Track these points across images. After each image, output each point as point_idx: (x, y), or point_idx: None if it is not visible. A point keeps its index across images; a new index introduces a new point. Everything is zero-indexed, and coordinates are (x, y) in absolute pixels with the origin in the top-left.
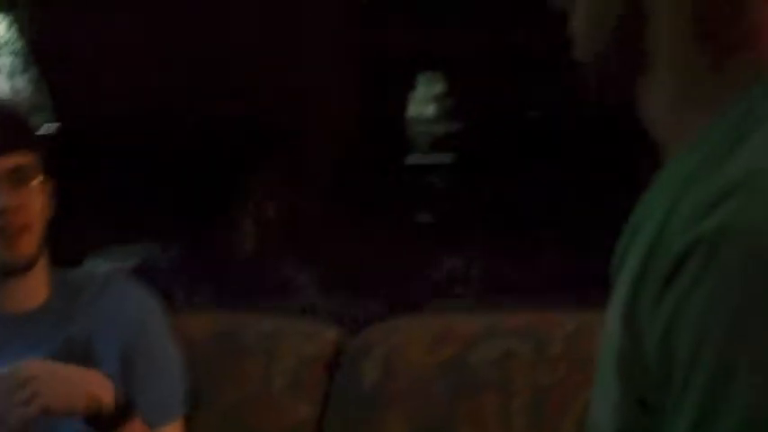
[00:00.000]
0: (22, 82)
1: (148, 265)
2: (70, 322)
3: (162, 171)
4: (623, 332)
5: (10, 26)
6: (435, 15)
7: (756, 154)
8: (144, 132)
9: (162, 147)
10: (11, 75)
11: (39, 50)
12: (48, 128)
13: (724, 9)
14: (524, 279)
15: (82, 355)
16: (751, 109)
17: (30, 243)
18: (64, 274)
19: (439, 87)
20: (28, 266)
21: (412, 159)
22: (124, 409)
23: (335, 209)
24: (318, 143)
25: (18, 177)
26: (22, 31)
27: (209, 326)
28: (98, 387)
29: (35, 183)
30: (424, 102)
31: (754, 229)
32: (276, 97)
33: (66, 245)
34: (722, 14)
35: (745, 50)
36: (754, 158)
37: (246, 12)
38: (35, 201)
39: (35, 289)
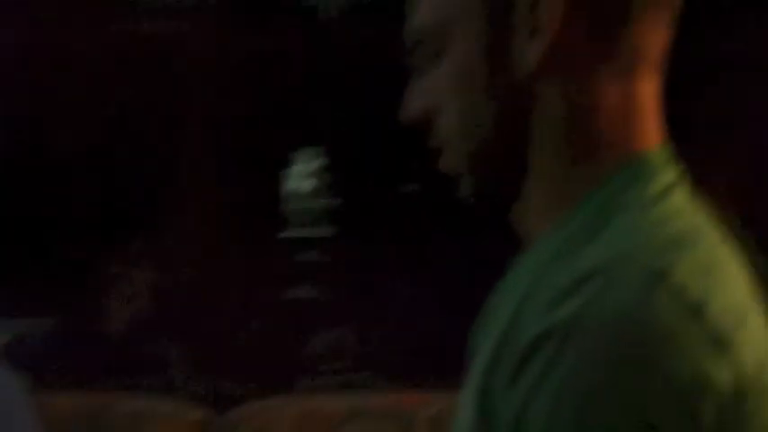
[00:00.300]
0: None
1: (18, 339)
2: None
3: (32, 241)
4: (476, 417)
5: None
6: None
7: (615, 240)
8: (9, 200)
9: (30, 215)
10: None
11: None
12: None
13: (583, 117)
14: (395, 355)
15: None
16: (612, 196)
17: None
18: None
19: (317, 162)
20: None
21: (287, 233)
22: None
23: (207, 284)
24: (189, 216)
25: None
26: None
27: (76, 405)
28: None
29: None
30: (301, 176)
31: (606, 318)
32: (146, 167)
33: None
34: (582, 122)
35: (608, 147)
36: (613, 244)
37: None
38: None
39: None
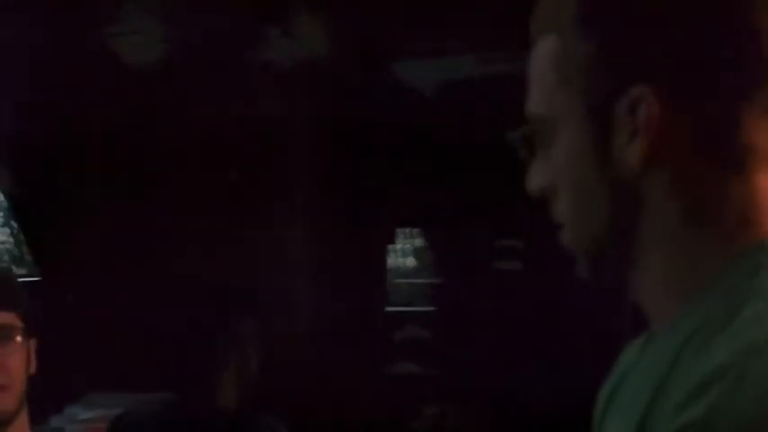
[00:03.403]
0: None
1: (129, 414)
2: None
3: (143, 318)
4: None
5: None
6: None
7: (745, 331)
8: (124, 282)
9: (141, 298)
10: None
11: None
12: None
13: (715, 200)
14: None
15: None
16: (741, 281)
17: (9, 401)
18: (43, 430)
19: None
20: (6, 423)
21: (391, 308)
22: None
23: (313, 358)
24: (296, 293)
25: None
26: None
27: None
28: None
29: (14, 342)
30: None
31: (736, 419)
32: (252, 244)
33: (47, 391)
34: (713, 204)
35: (741, 233)
36: (743, 336)
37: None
38: (13, 360)
39: None
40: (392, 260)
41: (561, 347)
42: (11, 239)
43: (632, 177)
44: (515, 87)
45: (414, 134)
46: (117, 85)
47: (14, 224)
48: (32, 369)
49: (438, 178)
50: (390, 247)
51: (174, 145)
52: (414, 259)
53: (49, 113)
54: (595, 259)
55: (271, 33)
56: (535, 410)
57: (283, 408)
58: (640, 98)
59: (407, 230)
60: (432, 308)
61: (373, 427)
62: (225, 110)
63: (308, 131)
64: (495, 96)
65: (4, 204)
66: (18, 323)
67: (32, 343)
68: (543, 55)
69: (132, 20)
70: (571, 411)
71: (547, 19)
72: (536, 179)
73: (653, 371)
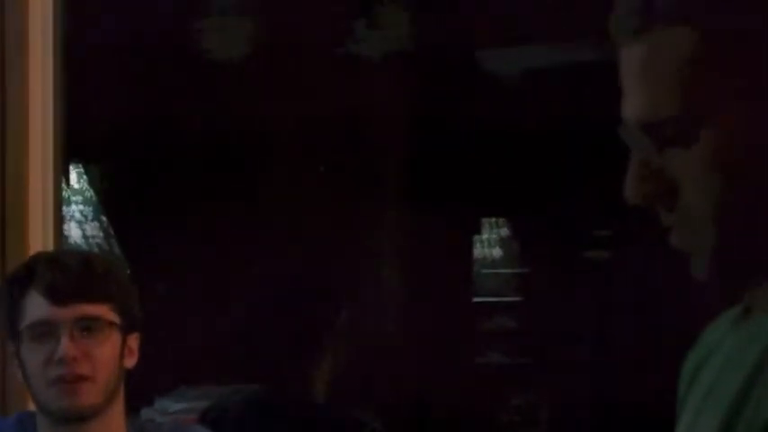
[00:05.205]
0: (91, 230)
1: (219, 407)
2: None
3: (234, 311)
4: None
5: (80, 176)
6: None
7: None
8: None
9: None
10: (81, 223)
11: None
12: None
13: None
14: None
15: None
16: None
17: (91, 393)
18: (139, 421)
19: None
20: (90, 416)
21: (479, 299)
22: None
23: (403, 350)
24: (400, 286)
25: (84, 327)
26: (92, 180)
27: None
28: None
29: (103, 334)
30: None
31: None
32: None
33: (136, 384)
34: None
35: None
36: None
37: None
38: (101, 352)
39: None
40: (478, 251)
41: (653, 339)
42: (100, 233)
43: None
44: (606, 76)
45: (500, 123)
46: (204, 78)
47: (104, 218)
48: (130, 364)
49: (525, 167)
50: (476, 237)
51: (259, 140)
52: (500, 250)
53: (141, 110)
54: (721, 260)
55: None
56: (625, 403)
57: (372, 399)
58: None
59: (493, 220)
60: (520, 298)
61: (461, 417)
62: (310, 99)
63: (394, 122)
64: (585, 85)
65: (94, 199)
66: (110, 315)
67: (133, 338)
68: (670, 48)
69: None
70: (663, 405)
71: (670, 6)
72: (647, 183)
73: (745, 359)
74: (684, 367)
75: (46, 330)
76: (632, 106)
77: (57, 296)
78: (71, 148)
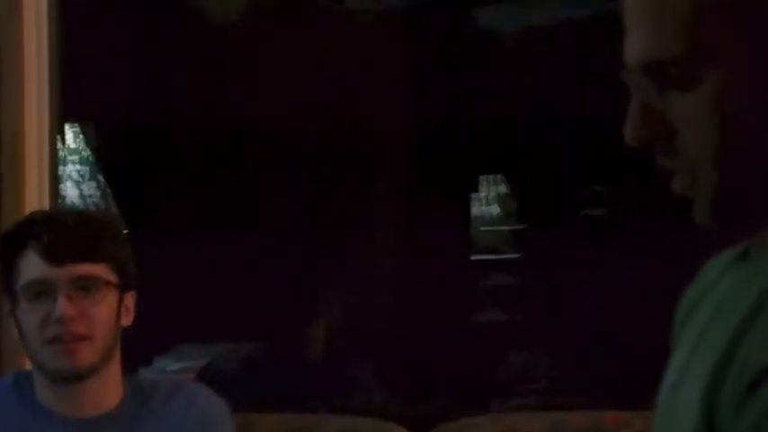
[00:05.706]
0: (89, 189)
1: (218, 364)
2: (138, 430)
3: (230, 271)
4: (699, 419)
5: (77, 136)
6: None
7: None
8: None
9: (233, 246)
10: (78, 182)
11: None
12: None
13: None
14: (584, 376)
15: None
16: None
17: (89, 352)
18: (136, 379)
19: (501, 188)
20: (88, 375)
21: (476, 257)
22: None
23: (400, 308)
24: (382, 243)
25: (81, 287)
26: (89, 140)
27: (276, 427)
28: None
29: (99, 294)
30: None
31: None
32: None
33: (135, 343)
34: None
35: None
36: None
37: None
38: (99, 311)
39: (102, 395)
40: (476, 208)
41: (651, 295)
42: (97, 193)
43: None
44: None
45: (497, 81)
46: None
47: (101, 178)
48: (126, 322)
49: (523, 124)
50: (474, 195)
51: (261, 100)
52: (498, 207)
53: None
54: (726, 206)
55: None
56: (623, 358)
57: (370, 357)
58: None
59: (491, 177)
60: (518, 255)
61: (459, 375)
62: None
63: (397, 81)
64: (583, 42)
65: (91, 159)
66: (107, 275)
67: (129, 296)
68: None
69: None
70: (661, 360)
71: None
72: (649, 126)
73: (740, 301)
74: (680, 305)
75: (42, 290)
76: (634, 46)
77: (53, 256)
78: (67, 108)
